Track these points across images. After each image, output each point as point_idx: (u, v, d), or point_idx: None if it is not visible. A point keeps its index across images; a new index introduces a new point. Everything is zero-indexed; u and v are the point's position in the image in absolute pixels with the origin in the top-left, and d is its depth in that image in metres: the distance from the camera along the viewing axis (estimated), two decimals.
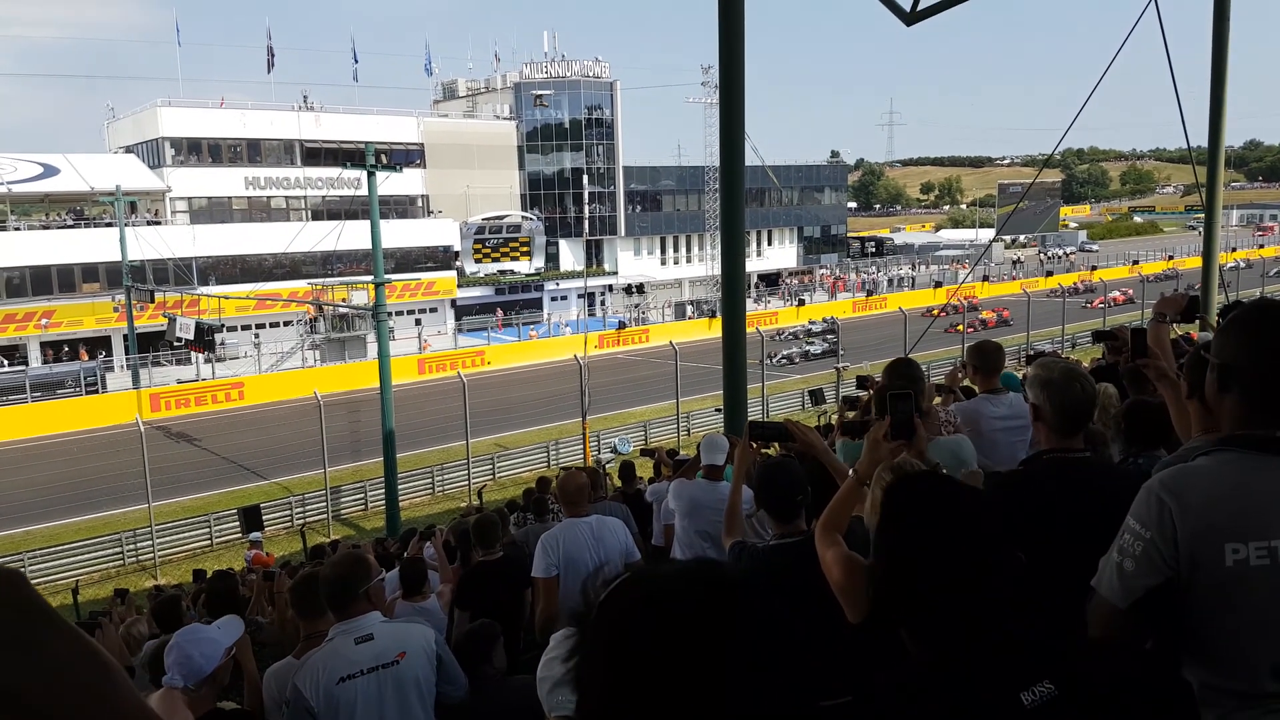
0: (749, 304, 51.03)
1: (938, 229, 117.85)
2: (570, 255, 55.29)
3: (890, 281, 63.76)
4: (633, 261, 57.54)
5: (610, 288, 55.62)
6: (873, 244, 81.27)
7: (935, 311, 44.61)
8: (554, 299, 53.80)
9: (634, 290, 51.78)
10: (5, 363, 36.58)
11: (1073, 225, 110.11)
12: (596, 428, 26.69)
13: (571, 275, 53.64)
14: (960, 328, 36.41)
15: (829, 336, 40.17)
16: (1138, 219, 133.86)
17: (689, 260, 60.83)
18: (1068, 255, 79.01)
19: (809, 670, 1.02)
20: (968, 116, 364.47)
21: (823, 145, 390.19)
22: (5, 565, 0.54)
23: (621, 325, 47.83)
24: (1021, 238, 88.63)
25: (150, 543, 19.69)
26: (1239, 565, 1.77)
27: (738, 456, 4.01)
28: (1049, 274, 54.91)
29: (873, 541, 1.92)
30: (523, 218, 52.84)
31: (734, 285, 9.74)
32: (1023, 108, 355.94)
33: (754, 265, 60.00)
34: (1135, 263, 60.09)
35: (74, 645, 0.54)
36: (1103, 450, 3.69)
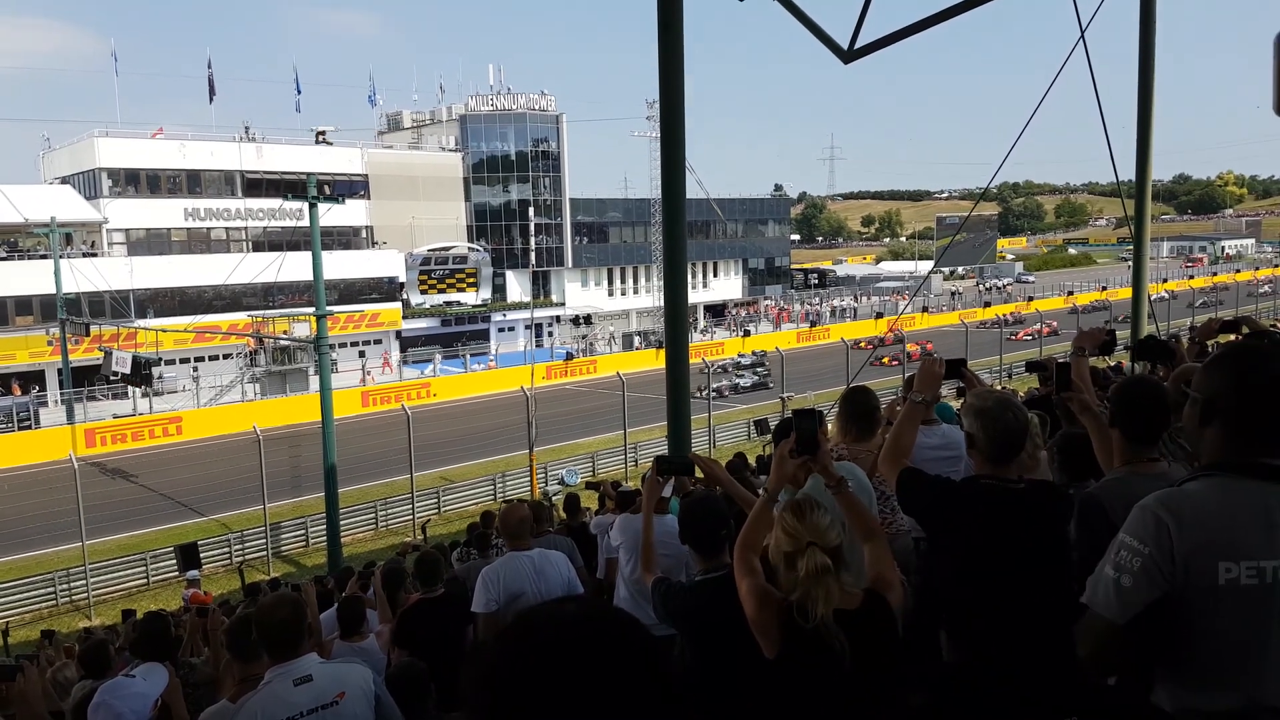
0: (695, 335, 51.79)
1: (878, 261, 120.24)
2: (517, 286, 55.22)
3: (833, 312, 64.87)
4: (580, 292, 57.69)
5: (558, 319, 55.63)
6: (815, 275, 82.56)
7: (863, 344, 45.58)
8: (501, 330, 53.60)
9: (581, 321, 51.82)
10: None
11: (1010, 257, 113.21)
12: (544, 459, 26.60)
13: (518, 306, 53.56)
14: (886, 360, 36.99)
15: (759, 369, 40.61)
16: (1072, 251, 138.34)
17: (636, 291, 61.18)
18: (1005, 287, 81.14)
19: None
20: (906, 151, 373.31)
21: (766, 179, 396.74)
22: None
23: (569, 356, 47.81)
24: (960, 269, 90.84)
25: (84, 582, 19.14)
26: (1230, 584, 1.85)
27: (645, 491, 4.03)
28: (987, 305, 56.23)
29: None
30: (469, 249, 52.69)
31: (677, 316, 9.76)
32: (960, 143, 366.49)
33: (699, 296, 60.58)
34: (1070, 293, 62.02)
35: None
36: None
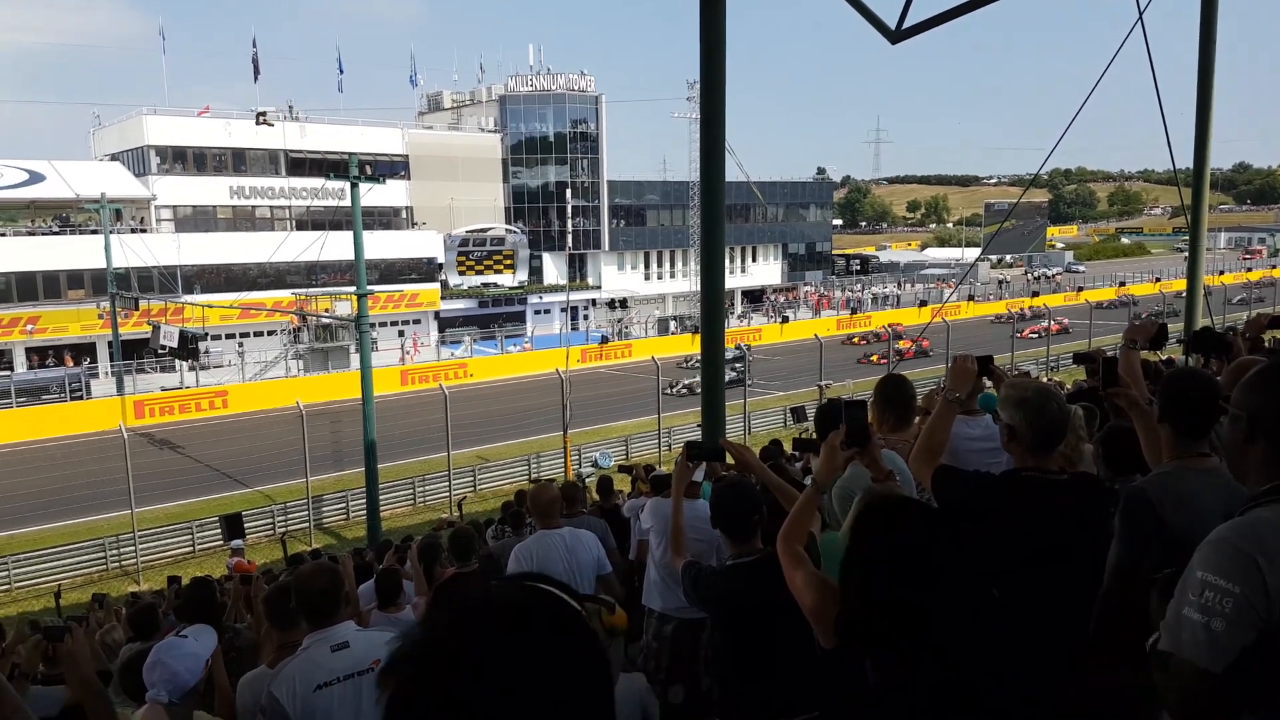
0: (732, 320, 51.47)
1: (923, 247, 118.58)
2: (554, 269, 55.34)
3: (875, 299, 64.13)
4: (616, 276, 57.68)
5: (594, 302, 55.69)
6: (858, 261, 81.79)
7: (856, 340, 44.60)
8: (537, 312, 53.81)
9: (617, 305, 51.81)
10: None
11: (1060, 245, 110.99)
12: (578, 442, 26.69)
13: (555, 289, 53.67)
14: (875, 358, 36.16)
15: (736, 365, 39.70)
16: (1125, 240, 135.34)
17: (672, 275, 61.02)
18: (1054, 276, 79.53)
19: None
20: (954, 135, 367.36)
21: (809, 162, 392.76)
22: None
23: (604, 340, 47.86)
24: (1008, 257, 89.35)
25: (133, 548, 19.69)
26: None
27: (675, 476, 4.04)
28: (1035, 294, 55.15)
29: (841, 566, 1.93)
30: (507, 231, 52.85)
31: (714, 300, 9.73)
32: (1010, 127, 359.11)
33: (738, 281, 60.24)
34: (1122, 284, 60.62)
35: None
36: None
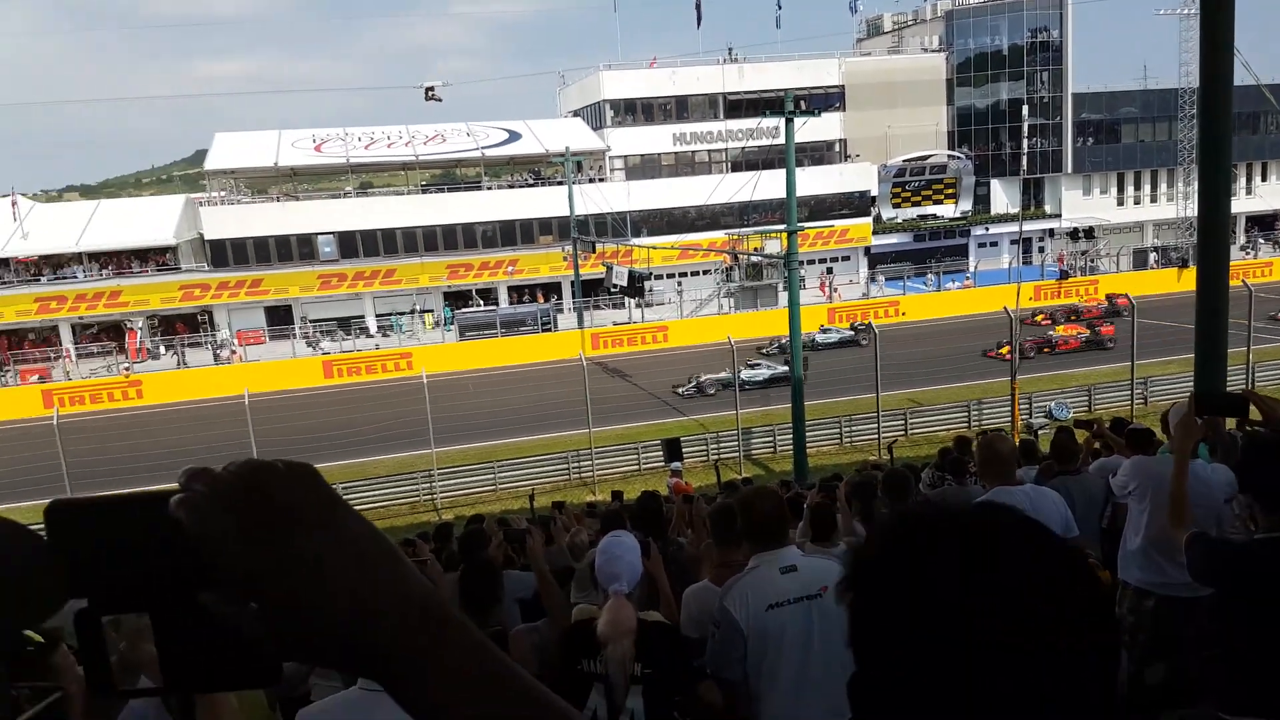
0: (1234, 252, 42.79)
1: None
2: (1003, 196, 50.45)
3: None
4: (1080, 202, 50.86)
5: (1051, 232, 49.82)
6: None
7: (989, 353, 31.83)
8: (981, 245, 49.65)
9: (1081, 235, 45.44)
10: (481, 303, 42.93)
11: None
12: (1028, 389, 24.00)
13: (1003, 219, 49.03)
14: (1004, 351, 26.19)
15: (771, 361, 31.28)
16: None
17: (1153, 200, 52.25)
18: None
19: None
20: None
21: None
22: (299, 461, 0.61)
23: (1064, 275, 42.78)
24: None
25: (590, 462, 22.00)
26: None
27: (1179, 432, 3.65)
28: None
29: None
30: (949, 157, 49.29)
31: (1215, 229, 8.48)
32: None
33: (1241, 205, 49.66)
34: None
35: (367, 528, 0.61)
36: None
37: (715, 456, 22.22)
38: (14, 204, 40.78)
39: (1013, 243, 46.42)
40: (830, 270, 46.11)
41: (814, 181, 44.60)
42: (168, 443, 23.19)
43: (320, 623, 0.57)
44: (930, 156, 49.20)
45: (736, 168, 46.08)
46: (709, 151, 48.39)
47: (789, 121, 20.04)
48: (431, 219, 42.67)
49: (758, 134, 38.34)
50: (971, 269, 46.71)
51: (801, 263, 22.81)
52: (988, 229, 49.52)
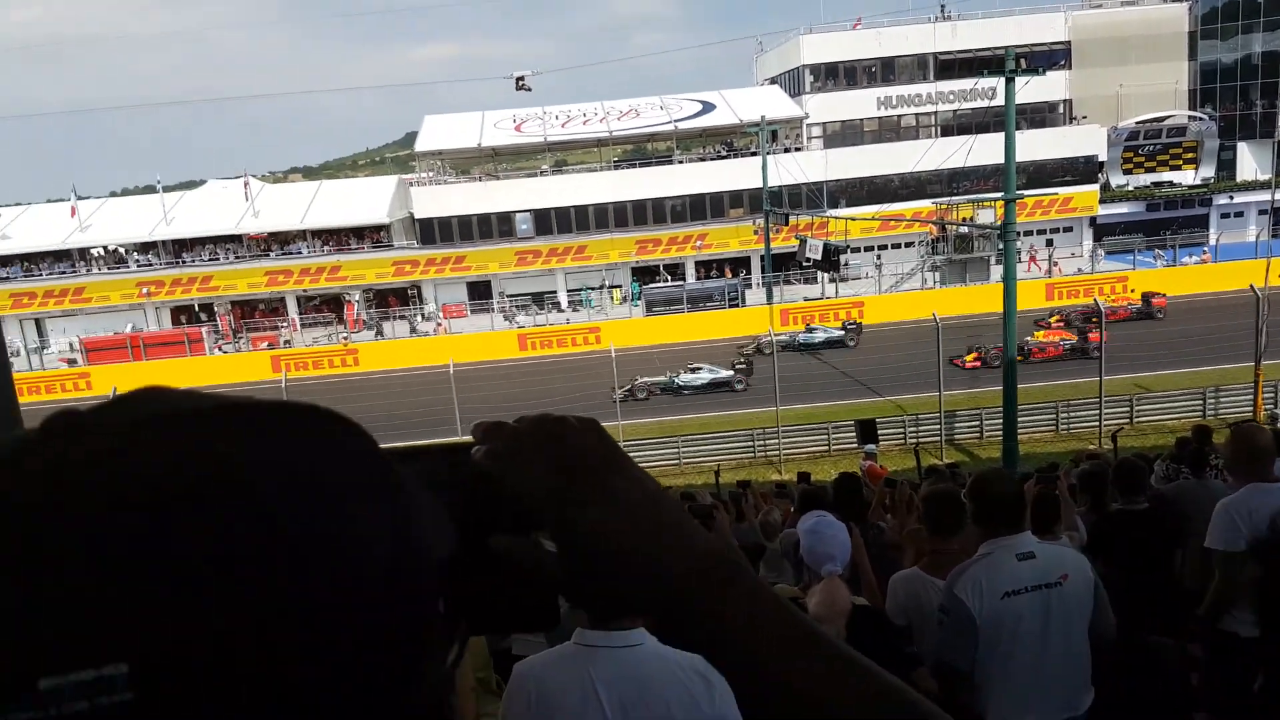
0: None
1: None
2: (1251, 162, 44.72)
3: None
4: None
5: None
6: None
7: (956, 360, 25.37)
8: (1225, 215, 44.28)
9: None
10: (669, 278, 42.88)
11: None
12: (1274, 376, 21.18)
13: (1251, 186, 43.49)
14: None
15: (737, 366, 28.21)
16: None
17: None
18: None
19: None
20: None
21: None
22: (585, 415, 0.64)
23: None
24: None
25: (776, 441, 21.46)
26: None
27: None
28: None
29: None
30: (1190, 118, 44.20)
31: None
32: None
33: None
34: None
35: (652, 478, 0.63)
36: None
37: (914, 441, 21.08)
38: (246, 185, 44.81)
39: (1261, 213, 41.50)
40: (1050, 243, 42.54)
41: (1034, 146, 41.07)
42: (382, 407, 24.51)
43: (628, 565, 0.58)
44: (1168, 118, 44.34)
45: (947, 132, 43.64)
46: (916, 115, 45.82)
47: (1009, 81, 18.74)
48: (622, 195, 43.10)
49: (971, 95, 35.92)
50: (1212, 242, 41.76)
51: (1018, 234, 21.14)
52: (1232, 198, 44.10)
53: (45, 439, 0.39)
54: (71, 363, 38.15)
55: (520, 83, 44.18)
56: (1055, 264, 39.84)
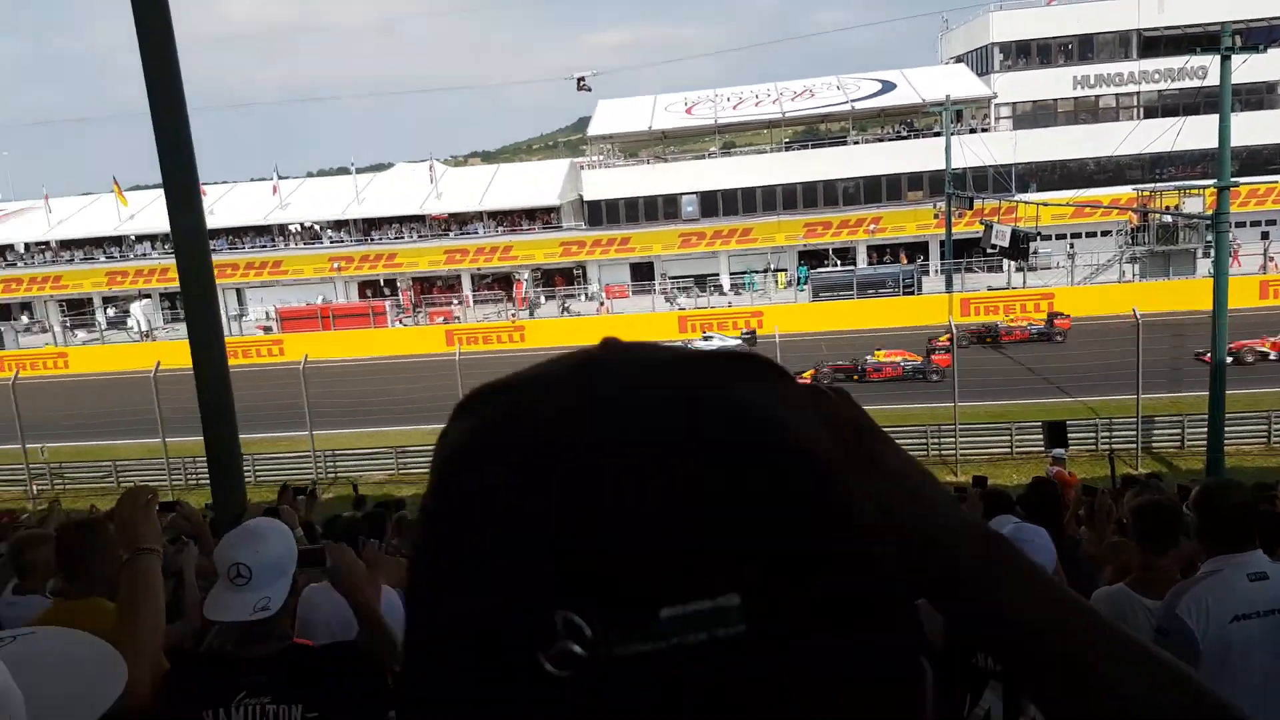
0: None
1: None
2: None
3: None
4: None
5: None
6: None
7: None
8: None
9: None
10: (839, 263, 41.87)
11: None
12: None
13: None
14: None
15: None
16: None
17: None
18: None
19: None
20: None
21: None
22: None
23: None
24: None
25: (953, 440, 20.46)
26: None
27: None
28: None
29: None
30: None
31: None
32: None
33: None
34: None
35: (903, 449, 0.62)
36: None
37: (1107, 447, 19.59)
38: (431, 168, 47.13)
39: None
40: (1266, 235, 38.63)
41: (1250, 129, 37.34)
42: None
43: (915, 529, 0.55)
44: None
45: (1150, 114, 40.50)
46: (1116, 96, 42.67)
47: (1225, 59, 17.27)
48: (792, 176, 42.49)
49: (1179, 75, 33.05)
50: None
51: (1230, 225, 19.29)
52: None
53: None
54: (267, 330, 41.31)
55: (581, 83, 44.20)
56: (1271, 259, 36.17)
